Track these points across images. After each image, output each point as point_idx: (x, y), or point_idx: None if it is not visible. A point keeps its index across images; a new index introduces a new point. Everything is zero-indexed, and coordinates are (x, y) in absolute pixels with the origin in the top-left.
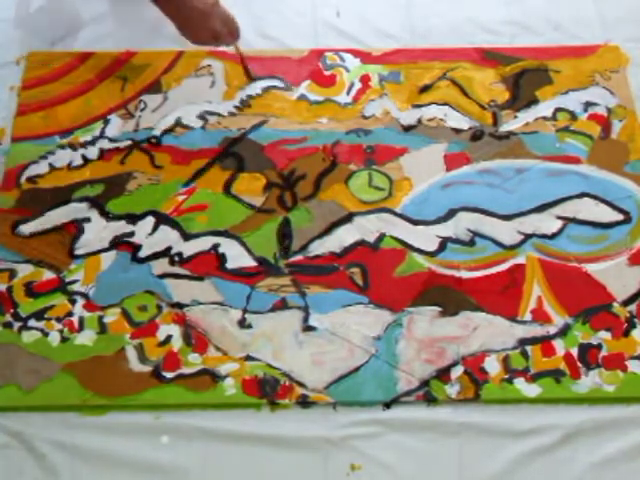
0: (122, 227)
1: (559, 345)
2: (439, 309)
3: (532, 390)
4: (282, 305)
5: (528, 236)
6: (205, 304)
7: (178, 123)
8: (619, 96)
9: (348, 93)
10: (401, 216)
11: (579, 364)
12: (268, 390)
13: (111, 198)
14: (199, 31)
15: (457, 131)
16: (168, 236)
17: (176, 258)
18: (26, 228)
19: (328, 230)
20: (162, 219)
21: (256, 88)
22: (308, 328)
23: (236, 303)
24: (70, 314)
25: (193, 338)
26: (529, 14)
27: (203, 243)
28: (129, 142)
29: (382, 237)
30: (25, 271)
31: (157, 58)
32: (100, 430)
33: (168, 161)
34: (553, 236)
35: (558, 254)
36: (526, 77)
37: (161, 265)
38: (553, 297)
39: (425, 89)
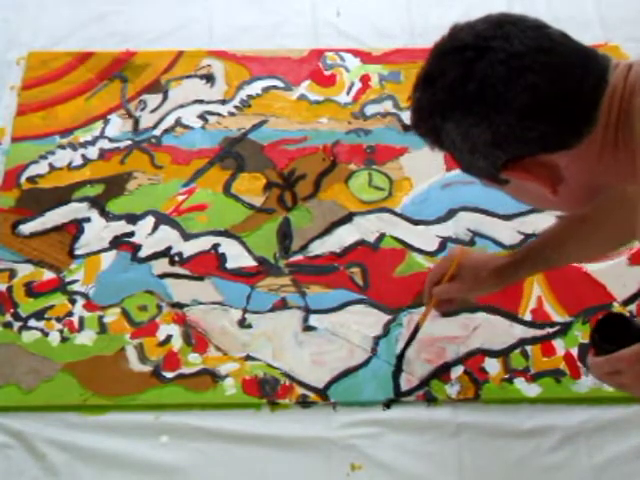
0: (122, 227)
1: (559, 345)
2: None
3: (532, 390)
4: (282, 305)
5: (528, 236)
6: (205, 304)
7: (178, 123)
8: None
9: (348, 93)
10: (401, 216)
11: (579, 364)
12: (268, 390)
13: (111, 198)
14: None
15: None
16: (168, 236)
17: (176, 258)
18: (26, 228)
19: (328, 230)
20: (162, 219)
21: (256, 88)
22: (308, 328)
23: (236, 303)
24: (70, 314)
25: (193, 338)
26: (529, 14)
27: (203, 243)
28: (129, 142)
29: (382, 237)
30: (25, 271)
31: (157, 58)
32: (100, 430)
33: (168, 161)
34: None
35: None
36: None
37: (161, 265)
38: (553, 297)
39: None
